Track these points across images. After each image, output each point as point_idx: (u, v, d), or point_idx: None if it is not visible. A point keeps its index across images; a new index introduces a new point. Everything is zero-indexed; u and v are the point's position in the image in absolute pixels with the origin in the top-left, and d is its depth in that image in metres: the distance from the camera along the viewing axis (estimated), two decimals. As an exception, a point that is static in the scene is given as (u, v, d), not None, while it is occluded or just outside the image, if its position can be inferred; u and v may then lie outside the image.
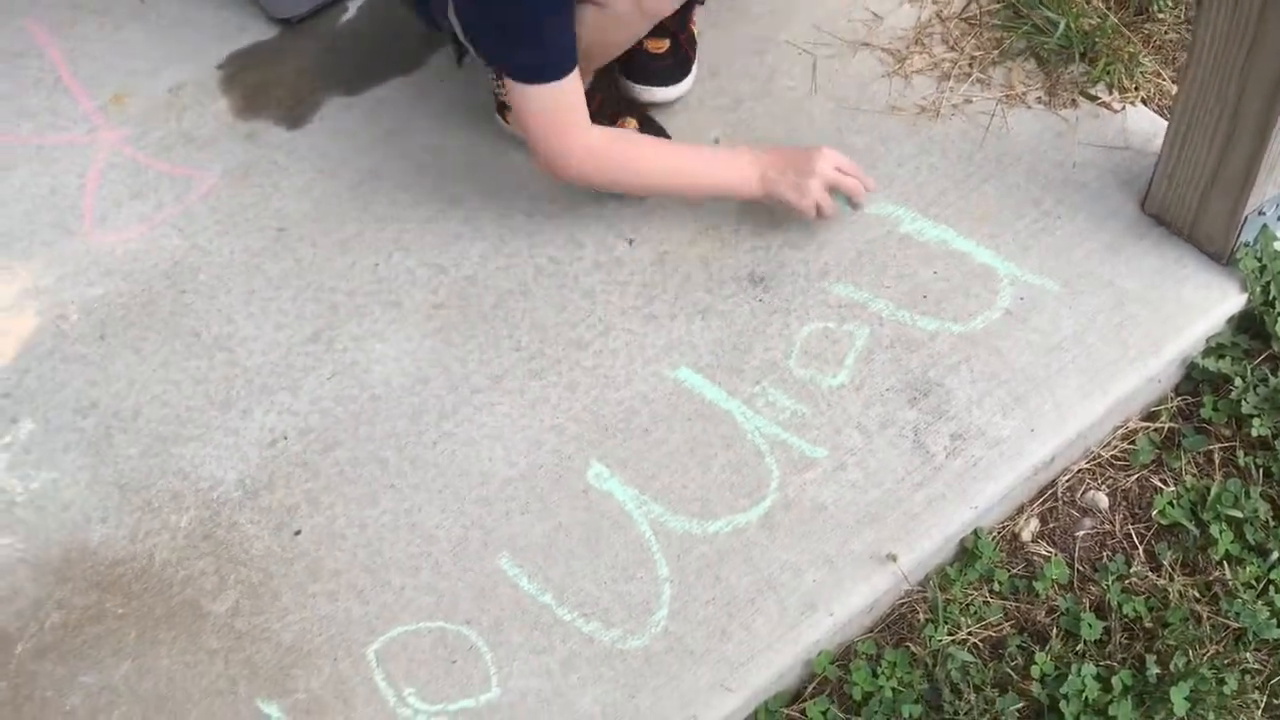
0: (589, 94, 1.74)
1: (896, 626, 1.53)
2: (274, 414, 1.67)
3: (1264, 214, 1.61)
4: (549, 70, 1.56)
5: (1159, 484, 1.61)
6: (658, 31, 1.82)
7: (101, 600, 1.55)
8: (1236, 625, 1.48)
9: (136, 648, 1.51)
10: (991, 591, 1.54)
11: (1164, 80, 1.86)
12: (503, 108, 1.84)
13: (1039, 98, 1.83)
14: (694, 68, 1.90)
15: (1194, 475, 1.60)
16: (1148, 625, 1.50)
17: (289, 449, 1.64)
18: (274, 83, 1.99)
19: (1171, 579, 1.53)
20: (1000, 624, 1.52)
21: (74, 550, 1.58)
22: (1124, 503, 1.61)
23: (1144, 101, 1.83)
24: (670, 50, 1.88)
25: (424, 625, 1.51)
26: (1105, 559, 1.56)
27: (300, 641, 1.50)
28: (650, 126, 1.83)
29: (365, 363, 1.71)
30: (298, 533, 1.58)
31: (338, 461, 1.63)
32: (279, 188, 1.88)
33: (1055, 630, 1.50)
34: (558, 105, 1.58)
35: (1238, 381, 1.62)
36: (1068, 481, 1.62)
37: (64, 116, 1.98)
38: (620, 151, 1.67)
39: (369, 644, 1.50)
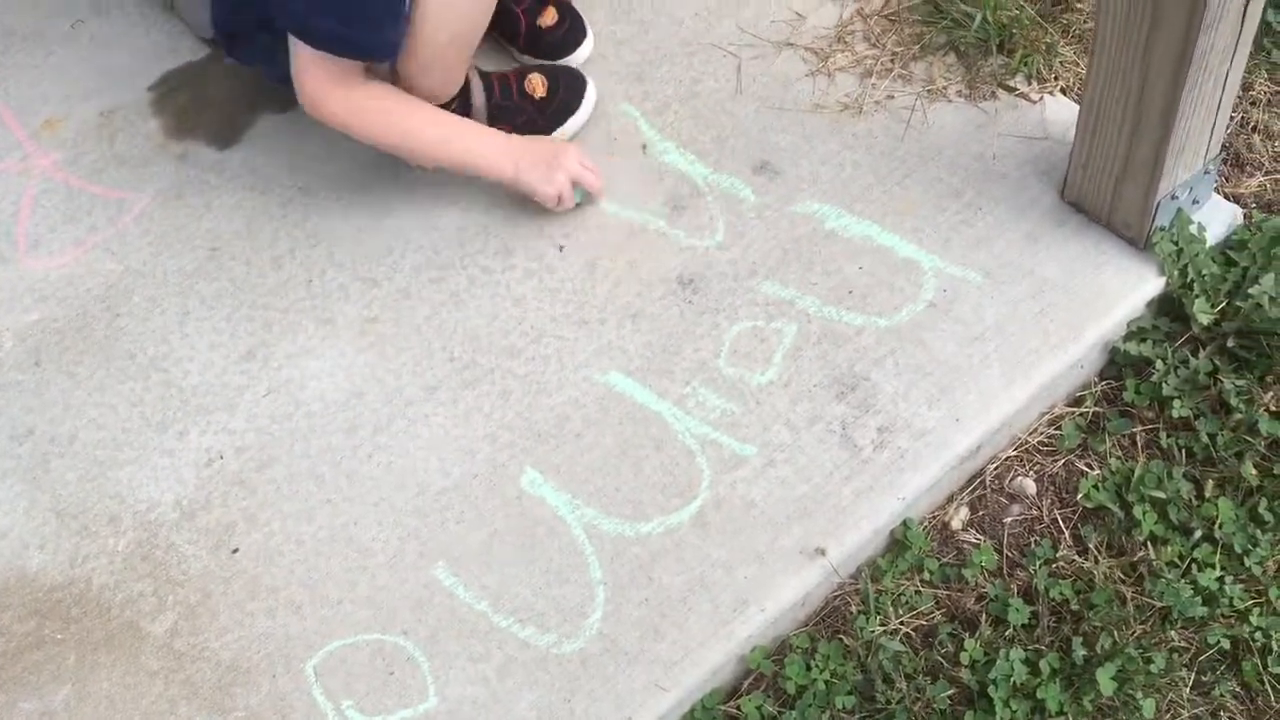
0: (487, 80, 1.82)
1: (830, 619, 1.55)
2: (210, 434, 1.68)
3: (1177, 198, 1.64)
4: (327, 45, 1.59)
5: (1084, 468, 1.63)
6: (539, 3, 1.90)
7: (40, 626, 1.55)
8: (1161, 605, 1.50)
9: (76, 672, 1.52)
10: (922, 581, 1.56)
11: (1082, 69, 1.88)
12: None
13: (959, 91, 1.86)
14: (588, 25, 1.94)
15: (1118, 458, 1.63)
16: (1074, 608, 1.52)
17: (225, 468, 1.65)
18: (205, 103, 2.00)
19: (1097, 561, 1.55)
20: (931, 613, 1.54)
21: (12, 578, 1.59)
22: (1051, 488, 1.63)
23: (1063, 91, 1.85)
24: (561, 18, 1.92)
25: (361, 638, 1.52)
26: (1033, 544, 1.59)
27: (239, 659, 1.51)
28: (553, 74, 1.86)
29: (300, 379, 1.72)
30: (235, 551, 1.59)
31: (274, 479, 1.64)
32: (211, 207, 1.88)
33: (984, 616, 1.53)
34: (341, 69, 1.63)
35: (1159, 364, 1.65)
36: (995, 469, 1.64)
37: (-4, 144, 1.98)
38: (380, 107, 1.69)
39: (307, 659, 1.51)
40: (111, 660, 1.53)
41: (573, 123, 1.86)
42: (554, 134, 1.85)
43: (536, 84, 1.84)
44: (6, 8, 2.15)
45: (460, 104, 1.80)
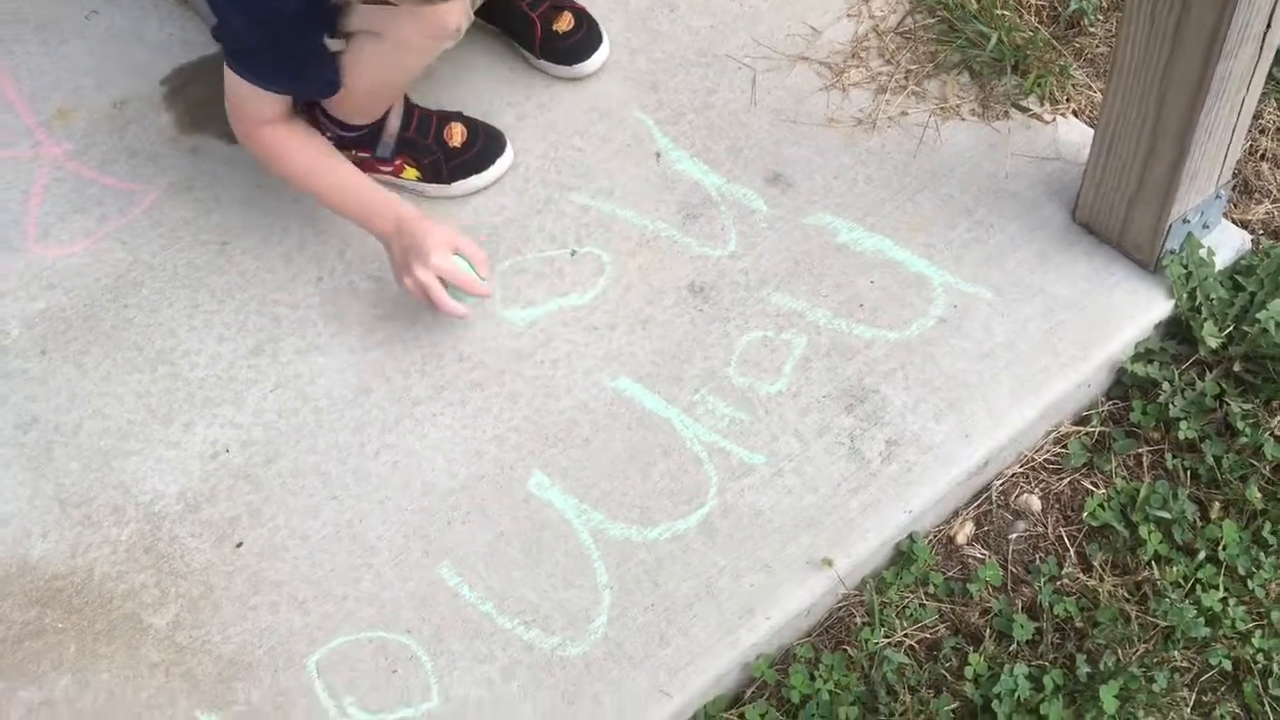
0: (409, 111, 1.81)
1: (834, 630, 1.55)
2: (216, 427, 1.68)
3: (1188, 222, 1.65)
4: (257, 81, 1.61)
5: (1090, 486, 1.64)
6: (555, 9, 1.91)
7: (41, 615, 1.54)
8: (1165, 624, 1.51)
9: (76, 662, 1.51)
10: (927, 594, 1.56)
11: (1094, 92, 1.90)
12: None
13: (972, 110, 1.87)
14: (604, 32, 1.94)
15: (1124, 478, 1.63)
16: (1079, 625, 1.53)
17: (231, 462, 1.65)
18: (218, 97, 1.97)
19: (1102, 579, 1.56)
20: (935, 626, 1.54)
21: (13, 566, 1.58)
22: (1056, 505, 1.64)
23: (1075, 113, 1.87)
24: (577, 24, 1.92)
25: (365, 635, 1.51)
26: (1038, 561, 1.59)
27: (241, 654, 1.51)
28: (475, 129, 1.85)
29: (308, 375, 1.71)
30: (239, 545, 1.58)
31: (280, 473, 1.63)
32: (222, 201, 1.88)
33: (989, 631, 1.53)
34: (249, 99, 1.64)
35: (1165, 386, 1.66)
36: (1001, 485, 1.65)
37: (7, 132, 1.97)
38: (283, 150, 1.69)
39: (310, 655, 1.50)
40: (112, 651, 1.52)
41: (475, 181, 1.83)
42: (454, 187, 1.83)
43: (455, 132, 1.83)
44: (20, -4, 2.15)
45: (373, 127, 1.79)
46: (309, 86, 1.67)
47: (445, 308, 1.65)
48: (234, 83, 1.64)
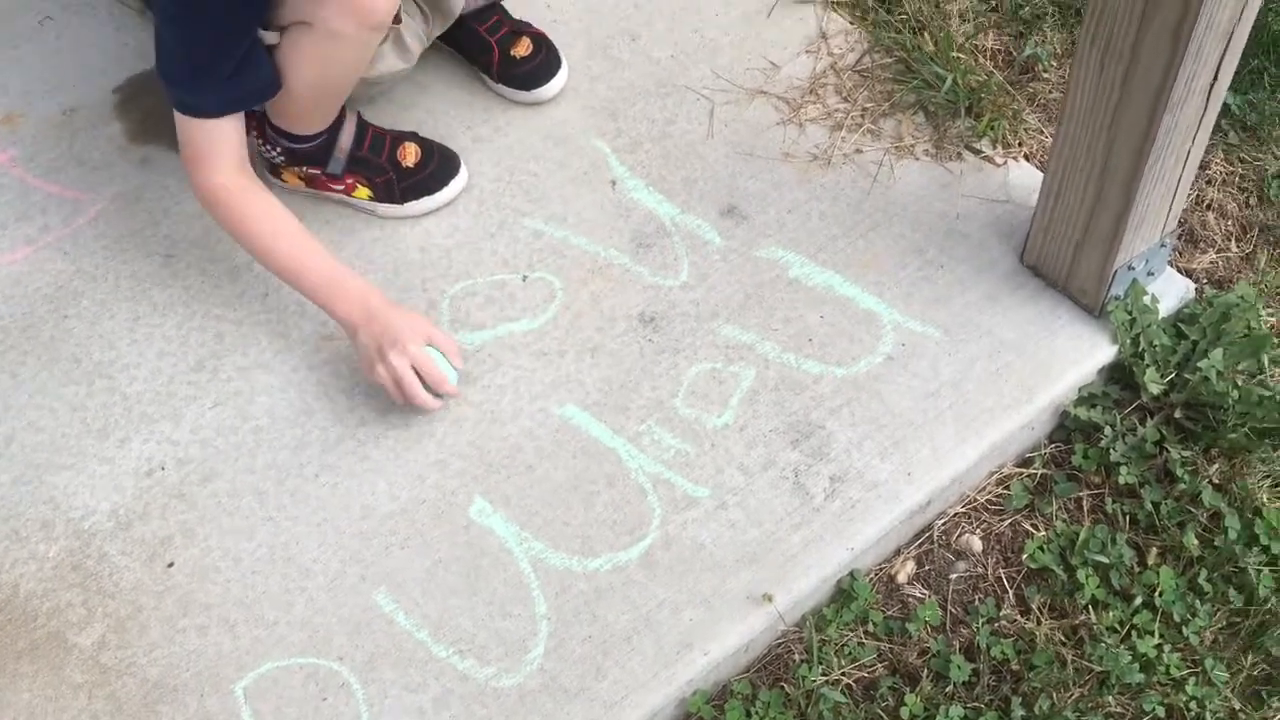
0: (362, 129, 1.80)
1: (772, 667, 1.54)
2: (153, 443, 1.64)
3: (1133, 269, 1.67)
4: (198, 110, 1.58)
5: (1031, 528, 1.65)
6: (513, 35, 1.91)
7: (-39, 632, 1.50)
8: (1100, 669, 1.52)
9: (-5, 681, 1.47)
10: (866, 633, 1.56)
11: (1046, 137, 1.92)
12: (274, 169, 1.82)
13: (926, 150, 1.89)
14: (564, 59, 1.94)
15: (1064, 521, 1.64)
16: (1015, 668, 1.53)
17: (166, 479, 1.62)
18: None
19: (1039, 622, 1.56)
20: (873, 665, 1.54)
21: (-65, 579, 1.54)
22: (997, 546, 1.64)
23: (1026, 157, 1.89)
24: (535, 49, 1.92)
25: (295, 661, 1.48)
26: (977, 601, 1.59)
27: (167, 677, 1.47)
28: (430, 149, 1.83)
29: (249, 393, 1.69)
30: (170, 565, 1.55)
31: (216, 493, 1.61)
32: (170, 213, 1.85)
33: (926, 672, 1.53)
34: (202, 140, 1.60)
35: (1107, 430, 1.67)
36: (943, 525, 1.65)
37: (-49, 135, 1.94)
38: (238, 212, 1.63)
39: (238, 680, 1.47)
40: (34, 670, 1.48)
41: (428, 202, 1.82)
42: (407, 208, 1.82)
43: (409, 152, 1.81)
44: (-28, -1, 2.11)
45: (326, 140, 1.77)
46: (251, 88, 1.62)
47: (418, 400, 1.60)
48: (186, 132, 1.61)
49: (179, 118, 1.61)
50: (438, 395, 1.63)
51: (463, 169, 1.85)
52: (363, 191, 1.82)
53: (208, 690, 1.46)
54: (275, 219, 1.64)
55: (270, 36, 1.60)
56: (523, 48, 1.92)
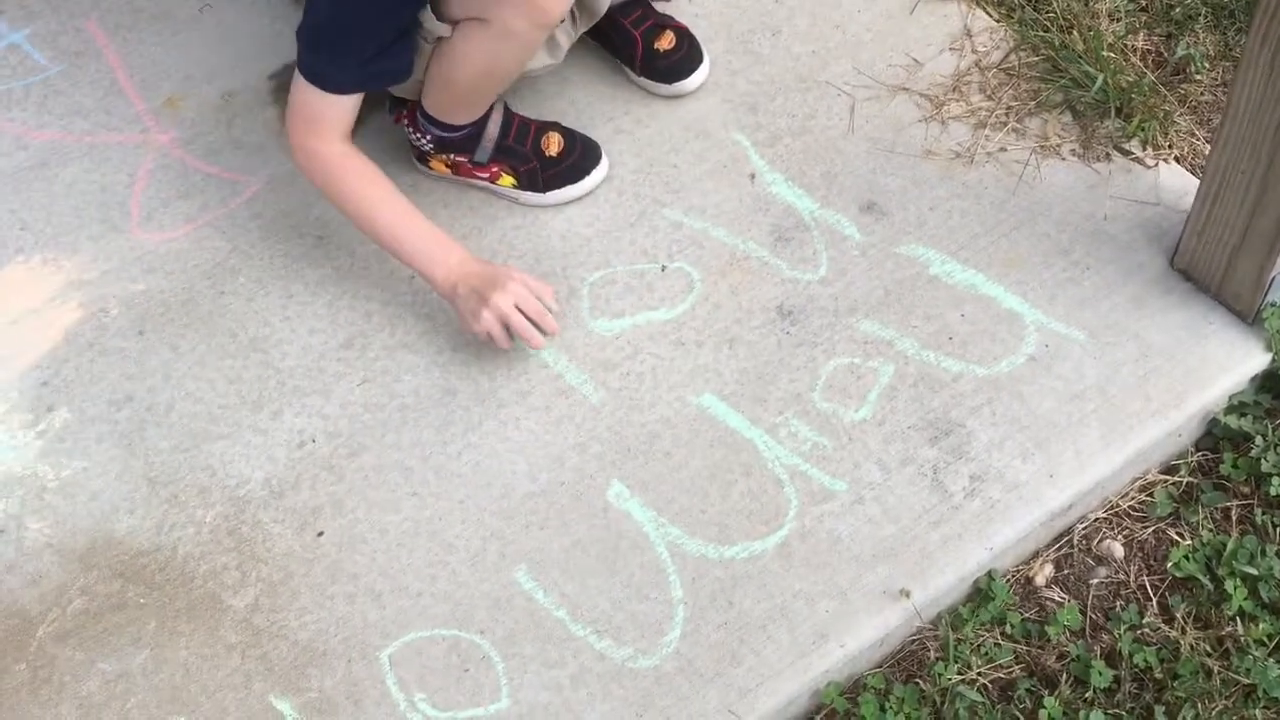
0: (509, 118, 1.82)
1: (906, 662, 1.54)
2: (304, 416, 1.70)
3: (1292, 275, 1.63)
4: (329, 82, 1.62)
5: (1175, 537, 1.61)
6: (657, 28, 1.93)
7: (124, 589, 1.57)
8: (1247, 681, 1.48)
9: (155, 638, 1.53)
10: (1003, 634, 1.55)
11: (1198, 140, 1.88)
12: (422, 157, 1.87)
13: (1073, 150, 1.86)
14: (705, 53, 1.96)
15: (1210, 530, 1.61)
16: (1158, 676, 1.50)
17: (316, 452, 1.67)
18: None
19: (1184, 631, 1.53)
20: (1010, 666, 1.53)
21: (100, 539, 1.61)
22: (1139, 554, 1.62)
23: (1177, 160, 1.85)
24: (679, 42, 1.94)
25: (438, 632, 1.52)
26: (1118, 608, 1.57)
27: (316, 641, 1.52)
28: (572, 139, 1.86)
29: (396, 371, 1.74)
30: (320, 534, 1.60)
31: (363, 467, 1.66)
32: (322, 196, 1.91)
33: (1065, 676, 1.51)
34: (320, 108, 1.64)
35: (1258, 440, 1.63)
36: (1084, 529, 1.63)
37: (118, 117, 2.03)
38: (338, 177, 1.68)
39: (383, 648, 1.52)
40: (191, 629, 1.54)
41: (570, 191, 1.85)
42: (549, 196, 1.85)
43: (553, 142, 1.85)
44: (136, -13, 2.21)
45: (474, 129, 1.81)
46: (385, 72, 1.67)
47: (525, 332, 1.65)
48: (302, 96, 1.65)
49: (301, 80, 1.64)
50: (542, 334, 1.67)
51: (604, 159, 1.88)
52: (507, 179, 1.86)
53: (354, 656, 1.51)
54: (380, 187, 1.70)
55: (442, 29, 1.64)
56: (666, 41, 1.94)
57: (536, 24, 1.62)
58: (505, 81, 1.75)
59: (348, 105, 1.66)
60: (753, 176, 1.89)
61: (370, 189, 1.69)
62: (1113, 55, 1.91)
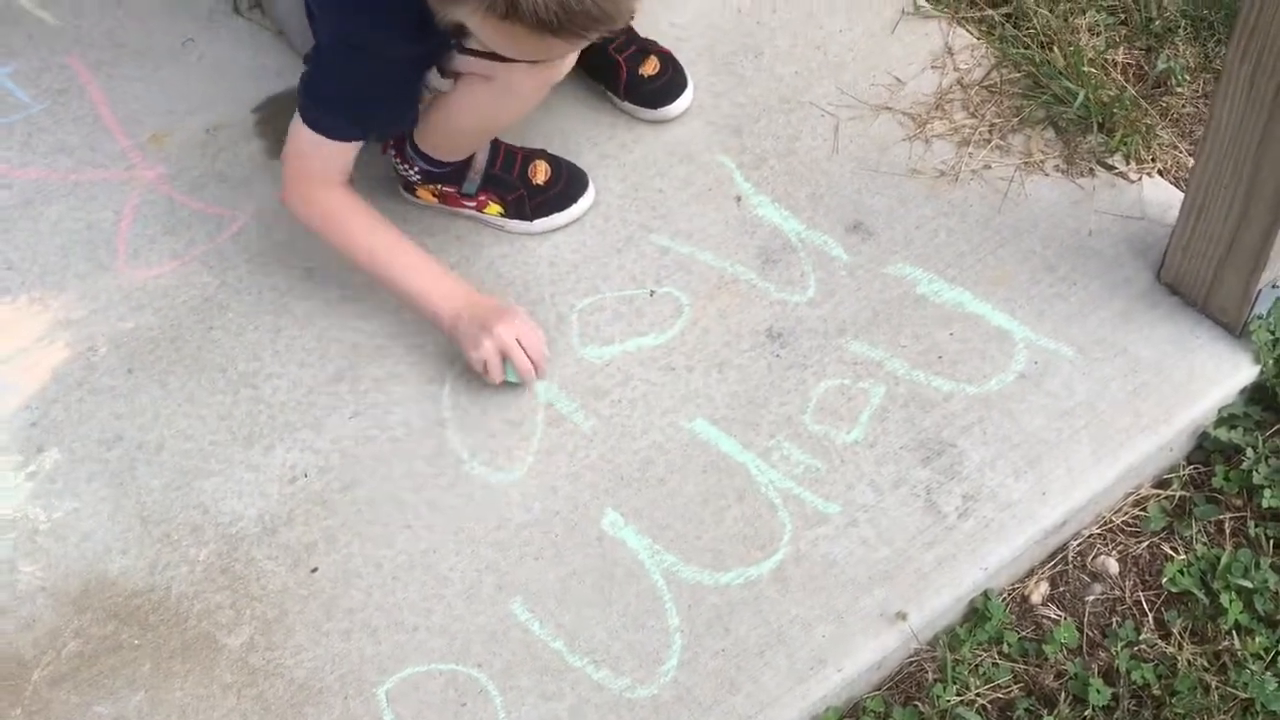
0: (495, 147, 1.83)
1: (904, 685, 1.54)
2: (296, 451, 1.70)
3: (1278, 287, 1.63)
4: (327, 128, 1.62)
5: (1170, 551, 1.62)
6: (641, 53, 1.93)
7: (118, 631, 1.56)
8: (1245, 696, 1.48)
9: (151, 679, 1.53)
10: (1000, 653, 1.55)
11: (1180, 153, 1.89)
12: (409, 186, 1.87)
13: (1057, 166, 1.87)
14: (689, 77, 1.96)
15: (1205, 544, 1.61)
16: (1156, 693, 1.50)
17: (309, 486, 1.67)
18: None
19: (1181, 647, 1.53)
20: (1009, 686, 1.53)
21: (93, 580, 1.60)
22: (1134, 569, 1.62)
23: (1160, 173, 1.86)
24: (663, 68, 1.94)
25: (435, 667, 1.52)
26: (1115, 625, 1.57)
27: (312, 679, 1.52)
28: (559, 167, 1.87)
29: (386, 404, 1.73)
30: (314, 570, 1.60)
31: (356, 500, 1.65)
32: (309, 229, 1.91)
33: (1063, 694, 1.51)
34: (323, 154, 1.64)
35: (1249, 452, 1.63)
36: (1078, 546, 1.63)
37: (102, 153, 2.02)
38: (339, 221, 1.69)
39: (380, 684, 1.51)
40: (186, 670, 1.53)
41: (557, 219, 1.85)
42: (536, 224, 1.85)
43: (539, 170, 1.85)
44: (118, 23, 2.20)
45: (461, 164, 1.82)
46: (388, 124, 1.69)
47: (523, 365, 1.66)
48: (302, 142, 1.65)
49: (301, 128, 1.65)
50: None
51: (591, 186, 1.88)
52: (494, 208, 1.86)
53: (351, 693, 1.50)
54: (378, 230, 1.70)
55: (443, 84, 1.65)
56: (650, 66, 1.95)
57: (545, 84, 1.64)
58: (502, 131, 1.77)
59: (348, 152, 1.66)
60: (739, 199, 1.89)
61: (374, 237, 1.69)
62: (1093, 70, 1.92)
